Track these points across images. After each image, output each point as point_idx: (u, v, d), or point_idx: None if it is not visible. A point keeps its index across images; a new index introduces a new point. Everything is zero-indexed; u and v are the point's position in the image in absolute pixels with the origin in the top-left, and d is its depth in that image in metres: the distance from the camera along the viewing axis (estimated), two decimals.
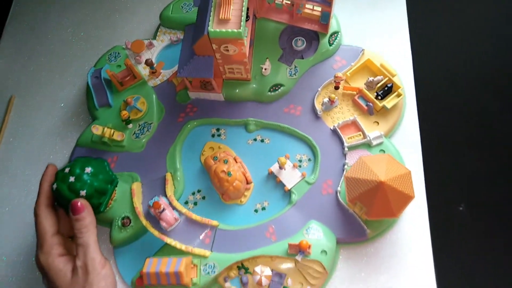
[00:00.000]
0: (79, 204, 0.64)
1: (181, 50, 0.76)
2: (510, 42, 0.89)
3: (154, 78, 0.87)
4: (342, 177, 0.75)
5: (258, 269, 0.69)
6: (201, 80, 0.80)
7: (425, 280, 0.72)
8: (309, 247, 0.68)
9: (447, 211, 0.78)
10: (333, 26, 0.85)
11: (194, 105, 0.84)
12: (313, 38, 0.85)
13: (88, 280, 0.60)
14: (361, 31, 0.89)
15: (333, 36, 0.85)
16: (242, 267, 0.72)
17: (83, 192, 0.65)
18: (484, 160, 0.78)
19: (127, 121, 0.82)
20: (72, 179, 0.66)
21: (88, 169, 0.67)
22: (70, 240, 0.67)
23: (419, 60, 0.85)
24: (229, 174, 0.74)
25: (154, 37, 0.91)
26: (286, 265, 0.71)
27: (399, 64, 0.84)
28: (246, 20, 0.76)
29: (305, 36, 0.85)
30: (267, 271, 0.69)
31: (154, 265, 0.67)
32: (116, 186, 0.73)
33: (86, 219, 0.64)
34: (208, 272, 0.70)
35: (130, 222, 0.73)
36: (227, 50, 0.72)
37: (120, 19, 0.97)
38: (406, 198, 0.66)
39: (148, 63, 0.84)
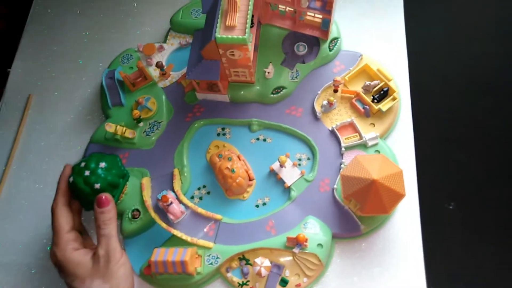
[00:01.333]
0: (104, 197, 0.70)
1: (189, 54, 0.81)
2: (504, 47, 0.93)
3: (164, 80, 0.92)
4: (339, 176, 0.79)
5: (258, 260, 0.74)
6: (208, 82, 0.85)
7: (415, 273, 0.76)
8: (306, 240, 0.73)
9: (438, 209, 0.82)
10: (333, 32, 0.90)
11: (202, 106, 0.89)
12: (314, 43, 0.90)
13: (109, 267, 0.66)
14: (360, 37, 0.93)
15: (333, 42, 0.89)
16: (243, 258, 0.76)
17: (97, 185, 0.71)
18: (475, 161, 0.82)
19: (138, 120, 0.87)
20: (87, 173, 0.71)
21: (102, 164, 0.73)
22: (81, 235, 0.72)
23: (415, 65, 0.89)
24: (233, 171, 0.79)
25: (165, 41, 0.96)
26: (284, 257, 0.76)
27: (396, 68, 0.89)
28: (251, 27, 0.80)
29: (306, 42, 0.90)
30: (267, 262, 0.74)
31: (162, 254, 0.72)
32: (128, 181, 0.78)
33: (111, 211, 0.70)
34: (211, 263, 0.75)
35: (139, 214, 0.79)
36: (233, 55, 0.77)
37: (133, 23, 1.02)
38: (397, 196, 0.71)
39: (159, 65, 0.89)
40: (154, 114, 0.88)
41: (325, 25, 0.87)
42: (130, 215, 0.78)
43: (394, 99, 0.83)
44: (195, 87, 0.86)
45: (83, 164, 0.72)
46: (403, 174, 0.72)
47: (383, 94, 0.83)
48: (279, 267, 0.75)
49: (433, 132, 0.86)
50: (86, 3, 1.04)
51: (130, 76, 0.89)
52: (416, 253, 0.77)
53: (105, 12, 1.04)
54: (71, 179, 0.72)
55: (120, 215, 0.80)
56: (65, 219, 0.69)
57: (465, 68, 0.90)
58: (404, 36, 0.92)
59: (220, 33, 0.72)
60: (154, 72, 0.93)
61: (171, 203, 0.76)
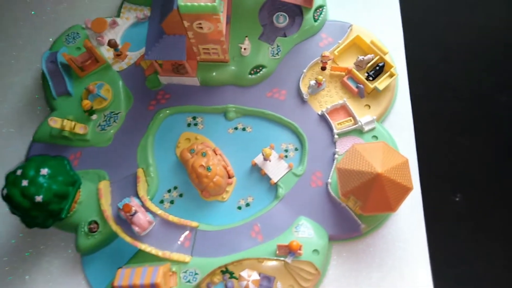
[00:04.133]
0: None
1: (148, 28, 0.67)
2: (505, 16, 0.83)
3: (120, 62, 0.77)
4: (333, 168, 0.68)
5: (244, 273, 0.62)
6: (173, 62, 0.71)
7: (421, 276, 0.67)
8: (300, 248, 0.62)
9: (443, 202, 0.73)
10: (317, 1, 0.77)
11: (167, 92, 0.75)
12: (296, 13, 0.77)
13: None
14: (348, 5, 0.81)
15: (318, 10, 0.77)
16: (226, 271, 0.65)
17: (39, 198, 0.57)
18: (482, 145, 0.74)
19: (90, 112, 0.72)
20: (25, 182, 0.57)
21: (44, 171, 0.58)
22: None
23: (411, 36, 0.78)
24: (208, 169, 0.66)
25: (118, 15, 0.81)
26: (274, 267, 0.64)
27: (390, 40, 0.77)
28: None
29: (287, 12, 0.77)
30: (255, 276, 0.62)
31: (127, 277, 0.59)
32: (80, 188, 0.64)
33: None
34: (189, 280, 0.63)
35: (98, 227, 0.65)
36: (201, 28, 0.63)
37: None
38: (404, 190, 0.60)
39: (112, 44, 0.74)
40: (110, 103, 0.74)
41: None
42: (86, 229, 0.65)
43: (391, 75, 0.72)
44: (157, 69, 0.72)
45: (19, 172, 0.58)
46: (408, 164, 0.61)
47: (378, 70, 0.72)
48: (269, 279, 0.64)
49: (434, 113, 0.77)
50: None
51: (77, 59, 0.74)
52: (421, 254, 0.68)
53: None
54: (4, 191, 0.57)
55: (74, 229, 0.66)
56: None
57: (467, 36, 0.80)
58: (397, 2, 0.81)
59: (183, 1, 0.58)
60: (107, 53, 0.78)
61: (136, 212, 0.63)
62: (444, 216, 0.73)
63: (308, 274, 0.63)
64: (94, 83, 0.73)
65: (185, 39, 0.65)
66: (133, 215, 0.63)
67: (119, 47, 0.76)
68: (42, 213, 0.58)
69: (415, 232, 0.69)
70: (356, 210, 0.65)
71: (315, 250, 0.63)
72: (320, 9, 0.77)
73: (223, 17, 0.64)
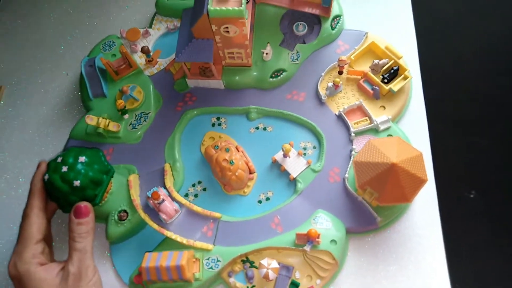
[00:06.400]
0: (83, 206, 0.60)
1: (179, 34, 0.73)
2: None
3: (151, 67, 0.83)
4: (350, 164, 0.72)
5: (264, 262, 0.65)
6: (200, 66, 0.76)
7: (437, 271, 0.68)
8: (318, 236, 0.64)
9: (457, 198, 0.75)
10: (334, 10, 0.82)
11: (193, 94, 0.81)
12: (314, 22, 0.82)
13: (80, 286, 0.56)
14: (363, 15, 0.86)
15: (335, 20, 0.82)
16: (247, 260, 0.68)
17: (77, 182, 0.61)
18: (494, 145, 0.75)
19: (123, 111, 0.78)
20: (65, 168, 0.62)
21: (82, 158, 0.63)
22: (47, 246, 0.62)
23: (425, 44, 0.83)
24: (231, 162, 0.70)
25: (150, 26, 0.88)
26: (293, 257, 0.67)
27: (404, 47, 0.81)
28: (246, 2, 0.72)
29: (306, 21, 0.82)
30: (274, 264, 0.65)
31: (154, 259, 0.63)
32: (112, 177, 0.69)
33: (90, 223, 0.60)
34: (211, 267, 0.66)
35: (127, 216, 0.69)
36: (227, 32, 0.68)
37: (114, 7, 0.93)
38: (419, 182, 0.63)
39: (145, 50, 0.81)
40: (141, 104, 0.79)
41: (327, 1, 0.80)
42: (116, 217, 0.69)
43: (405, 78, 0.76)
44: (185, 72, 0.78)
45: (59, 159, 0.63)
46: (423, 157, 0.64)
47: (393, 73, 0.76)
48: (288, 268, 0.66)
49: (448, 114, 0.79)
50: None
51: (112, 64, 0.81)
52: (437, 248, 0.69)
53: None
54: (46, 177, 0.62)
55: (105, 218, 0.70)
56: (36, 227, 0.59)
57: (479, 46, 0.83)
58: (410, 9, 0.85)
59: (213, 5, 0.64)
60: (139, 60, 0.84)
61: (163, 200, 0.67)
62: (459, 212, 0.74)
63: (325, 264, 0.66)
64: (127, 85, 0.79)
65: (213, 43, 0.71)
66: (160, 203, 0.67)
67: (151, 53, 0.82)
68: (79, 198, 0.62)
69: (430, 227, 0.70)
70: (372, 202, 0.68)
71: (333, 241, 0.66)
72: (337, 18, 0.82)
73: (247, 22, 0.69)
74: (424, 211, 0.72)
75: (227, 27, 0.67)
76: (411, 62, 0.81)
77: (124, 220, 0.69)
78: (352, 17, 0.85)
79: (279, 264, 0.66)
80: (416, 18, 0.85)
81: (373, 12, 0.87)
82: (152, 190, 0.68)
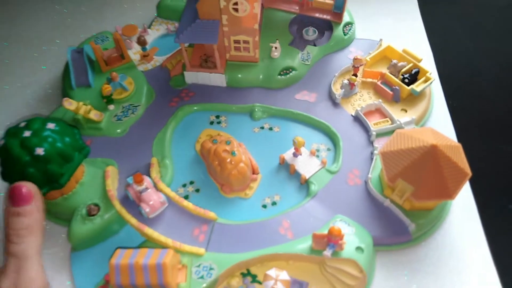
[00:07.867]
0: (23, 189, 0.42)
1: (182, 14, 0.66)
2: None
3: (145, 63, 0.75)
4: (373, 163, 0.61)
5: (271, 272, 0.50)
6: (202, 56, 0.69)
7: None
8: (342, 237, 0.50)
9: (498, 210, 0.64)
10: (345, 18, 0.79)
11: (191, 90, 0.72)
12: (325, 28, 0.78)
13: None
14: (374, 29, 0.83)
15: (347, 26, 0.78)
16: (248, 274, 0.52)
17: (40, 150, 0.48)
18: None
19: (109, 100, 0.68)
20: (27, 133, 0.49)
21: (52, 125, 0.51)
22: None
23: (440, 53, 0.79)
24: (233, 153, 0.58)
25: (149, 26, 0.82)
26: (307, 271, 0.52)
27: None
28: None
29: (317, 26, 0.77)
30: (284, 275, 0.50)
31: (128, 255, 0.47)
32: (86, 157, 0.55)
33: (33, 215, 0.42)
34: (203, 276, 0.50)
35: (98, 210, 0.55)
36: (236, 10, 0.62)
37: (112, 12, 0.88)
38: (461, 174, 0.52)
39: (141, 41, 0.73)
40: (131, 96, 0.69)
41: (339, 6, 0.76)
42: (84, 211, 0.54)
43: (427, 80, 0.69)
44: (185, 63, 0.70)
45: (22, 124, 0.50)
46: (462, 150, 0.54)
47: (413, 75, 0.70)
48: (301, 284, 0.51)
49: (475, 119, 0.73)
50: None
51: (103, 53, 0.72)
52: (484, 267, 0.56)
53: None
54: (1, 142, 0.49)
55: (69, 216, 0.55)
56: None
57: (496, 60, 0.80)
58: (421, 21, 0.84)
59: None
60: (134, 56, 0.76)
61: (147, 188, 0.54)
62: (504, 224, 0.63)
63: (349, 277, 0.51)
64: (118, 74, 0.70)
65: (219, 25, 0.64)
66: (143, 191, 0.53)
67: (147, 46, 0.75)
68: (39, 173, 0.49)
69: (473, 242, 0.58)
70: (404, 205, 0.55)
71: (359, 248, 0.52)
72: (349, 25, 0.78)
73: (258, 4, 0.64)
74: (464, 225, 0.60)
75: (236, 3, 0.61)
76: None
77: (93, 215, 0.54)
78: (363, 31, 0.81)
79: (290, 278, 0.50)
80: (427, 28, 0.82)
81: (384, 23, 0.85)
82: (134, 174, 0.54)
